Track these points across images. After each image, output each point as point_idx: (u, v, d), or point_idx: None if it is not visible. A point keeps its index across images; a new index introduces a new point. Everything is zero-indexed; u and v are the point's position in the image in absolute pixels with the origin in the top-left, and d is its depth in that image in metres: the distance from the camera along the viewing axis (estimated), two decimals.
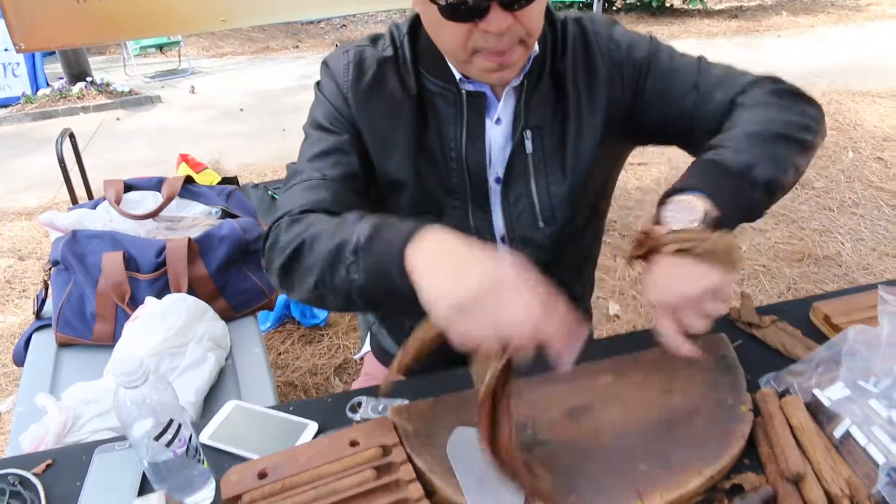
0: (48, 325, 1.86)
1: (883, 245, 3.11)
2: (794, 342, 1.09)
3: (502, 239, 1.16)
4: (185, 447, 0.87)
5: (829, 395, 0.92)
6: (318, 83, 1.14)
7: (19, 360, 1.88)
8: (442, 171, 1.10)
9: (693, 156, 1.05)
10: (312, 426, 1.01)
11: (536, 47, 1.06)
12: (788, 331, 1.12)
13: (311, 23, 10.68)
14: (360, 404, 1.04)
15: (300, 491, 0.85)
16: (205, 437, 1.01)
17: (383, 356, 1.41)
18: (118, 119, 6.62)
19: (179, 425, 0.85)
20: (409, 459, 0.89)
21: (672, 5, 9.55)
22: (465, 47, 0.95)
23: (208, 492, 0.92)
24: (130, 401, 0.81)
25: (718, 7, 9.82)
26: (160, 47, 8.71)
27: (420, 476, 0.88)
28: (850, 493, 0.82)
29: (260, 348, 1.76)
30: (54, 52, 7.74)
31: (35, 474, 0.97)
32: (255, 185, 3.42)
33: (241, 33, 10.12)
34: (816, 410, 0.92)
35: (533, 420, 0.96)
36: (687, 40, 7.98)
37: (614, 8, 9.65)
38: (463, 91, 1.06)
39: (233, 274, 1.83)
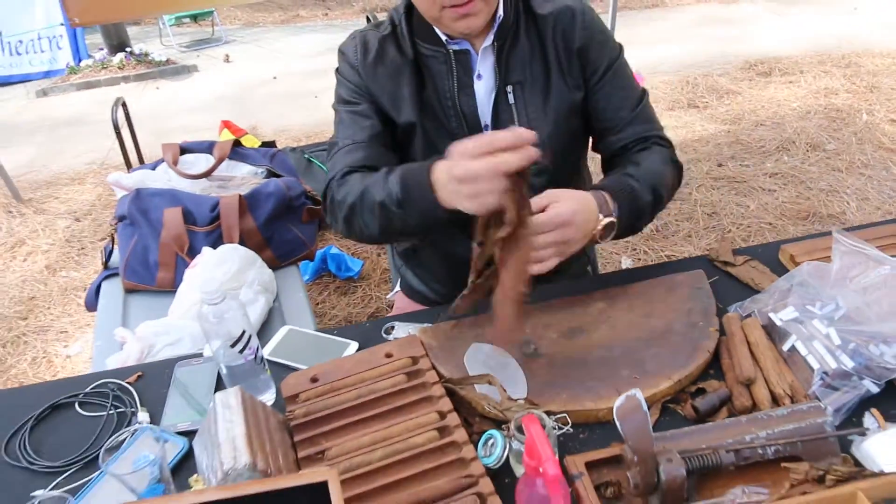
0: (115, 274, 2.09)
1: (888, 204, 3.17)
2: (762, 277, 1.27)
3: None
4: (254, 355, 1.09)
5: (781, 317, 1.10)
6: (337, 69, 1.37)
7: (91, 305, 2.12)
8: (442, 119, 1.31)
9: (594, 147, 1.41)
10: (353, 344, 1.22)
11: (501, 11, 1.25)
12: (759, 268, 1.29)
13: None
14: (393, 327, 1.25)
15: (345, 391, 1.07)
16: (265, 353, 1.22)
17: (410, 291, 1.63)
18: (157, 88, 6.85)
19: (250, 336, 1.07)
20: (434, 367, 1.10)
21: None
22: (435, 4, 1.17)
23: (271, 395, 1.14)
24: (213, 315, 1.03)
25: None
26: (194, 17, 8.89)
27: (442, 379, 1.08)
28: (791, 394, 1.01)
29: (302, 294, 1.98)
30: None
31: (129, 383, 1.20)
32: (293, 149, 3.63)
33: (271, 2, 10.25)
34: (771, 330, 1.11)
35: (536, 339, 1.15)
36: (712, 4, 7.92)
37: None
38: (450, 50, 1.28)
39: (278, 227, 2.05)
